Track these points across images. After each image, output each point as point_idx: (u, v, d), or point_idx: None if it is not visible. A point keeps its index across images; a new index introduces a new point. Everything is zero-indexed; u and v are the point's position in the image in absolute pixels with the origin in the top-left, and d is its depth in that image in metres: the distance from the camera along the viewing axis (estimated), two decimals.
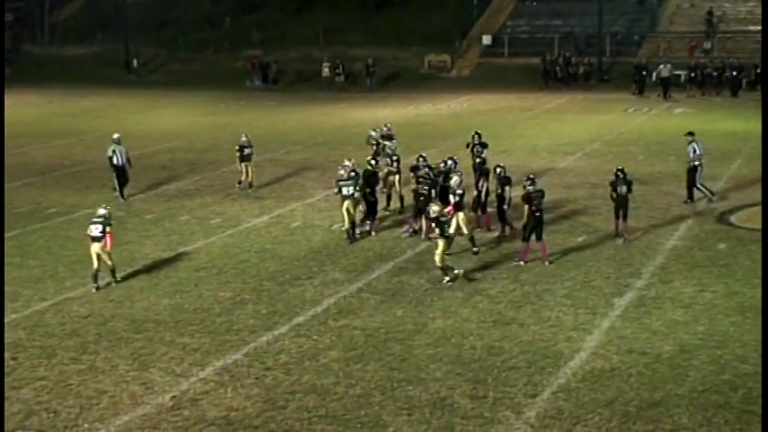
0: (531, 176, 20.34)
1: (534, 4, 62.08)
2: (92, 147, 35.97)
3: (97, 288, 18.40)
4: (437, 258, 18.41)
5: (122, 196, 25.87)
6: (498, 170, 21.68)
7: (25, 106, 48.55)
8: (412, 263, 19.88)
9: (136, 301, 17.75)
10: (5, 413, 13.15)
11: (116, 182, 26.16)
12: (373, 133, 27.93)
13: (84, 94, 52.68)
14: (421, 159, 23.00)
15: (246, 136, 27.67)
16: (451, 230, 18.80)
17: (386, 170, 23.92)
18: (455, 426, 12.62)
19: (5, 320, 16.69)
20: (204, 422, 12.86)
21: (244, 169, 27.07)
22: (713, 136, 35.83)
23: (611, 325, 16.12)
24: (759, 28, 53.32)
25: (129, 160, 26.62)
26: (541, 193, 19.96)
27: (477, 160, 24.35)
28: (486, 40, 58.85)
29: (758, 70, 48.33)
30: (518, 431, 12.49)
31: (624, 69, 53.42)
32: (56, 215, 24.77)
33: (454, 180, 20.75)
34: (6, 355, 15.18)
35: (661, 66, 48.76)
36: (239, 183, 27.19)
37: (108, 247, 18.48)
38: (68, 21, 70.65)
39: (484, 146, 25.55)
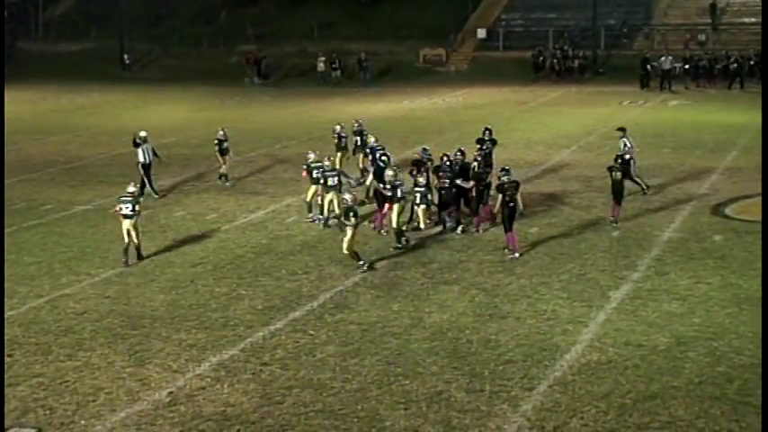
0: (506, 167, 20.46)
1: None
2: (87, 143, 36.00)
3: (126, 263, 19.54)
4: (345, 246, 18.89)
5: (142, 193, 25.53)
6: (474, 164, 21.69)
7: (20, 103, 48.45)
8: (408, 257, 19.88)
9: (132, 297, 17.74)
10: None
11: (144, 179, 25.90)
12: (338, 127, 28.09)
13: (79, 91, 52.63)
14: (423, 153, 22.88)
15: (223, 129, 27.88)
16: (393, 223, 20.38)
17: (361, 165, 24.27)
18: (452, 419, 12.63)
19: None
20: (201, 418, 12.85)
21: (222, 162, 27.46)
22: (709, 128, 35.93)
23: (607, 317, 16.13)
24: (754, 20, 53.37)
25: (156, 154, 26.71)
26: (516, 184, 20.09)
27: (486, 153, 24.25)
28: (481, 33, 58.82)
29: (751, 62, 48.25)
30: (514, 424, 12.49)
31: (620, 62, 53.47)
32: (51, 212, 24.75)
33: (389, 173, 20.91)
34: None
35: (662, 58, 48.74)
36: (227, 180, 27.38)
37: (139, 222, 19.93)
38: (63, 17, 70.56)
39: (494, 142, 25.49)
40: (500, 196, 19.79)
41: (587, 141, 33.55)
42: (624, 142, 24.88)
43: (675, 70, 49.03)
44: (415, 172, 21.59)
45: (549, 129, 36.56)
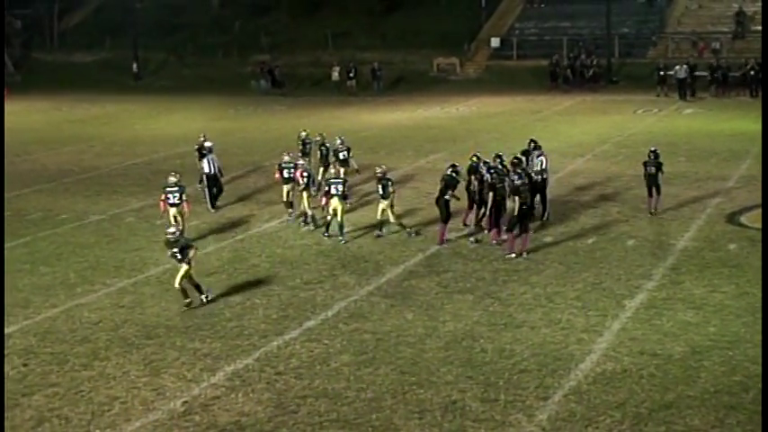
0: (519, 171, 20.59)
1: (542, 6, 62.09)
2: (101, 153, 36.14)
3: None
4: (176, 280, 17.56)
5: (213, 206, 25.51)
6: (486, 176, 21.64)
7: (35, 113, 48.74)
8: (422, 266, 19.89)
9: (146, 307, 17.78)
10: (17, 420, 13.19)
11: (207, 191, 25.81)
12: (303, 134, 28.82)
13: (94, 101, 52.85)
14: (474, 159, 22.41)
15: (204, 135, 28.35)
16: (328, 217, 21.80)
17: (320, 178, 25.33)
18: (467, 429, 12.61)
19: (17, 327, 16.77)
20: (215, 427, 12.87)
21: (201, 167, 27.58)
22: (723, 136, 35.85)
23: (622, 327, 16.09)
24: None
25: (220, 169, 26.29)
26: (529, 187, 20.49)
27: (535, 164, 24.03)
28: (495, 42, 58.90)
29: (752, 72, 47.89)
30: None
31: (634, 70, 53.44)
32: (66, 221, 24.83)
33: (331, 171, 23.14)
34: (18, 361, 15.23)
35: (677, 67, 48.63)
36: (200, 183, 27.49)
37: (186, 212, 22.05)
38: (78, 27, 70.93)
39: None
40: (515, 198, 20.07)
41: (601, 150, 33.50)
42: (542, 160, 23.40)
43: (690, 79, 48.92)
44: (472, 178, 22.04)
45: (564, 137, 36.49)
